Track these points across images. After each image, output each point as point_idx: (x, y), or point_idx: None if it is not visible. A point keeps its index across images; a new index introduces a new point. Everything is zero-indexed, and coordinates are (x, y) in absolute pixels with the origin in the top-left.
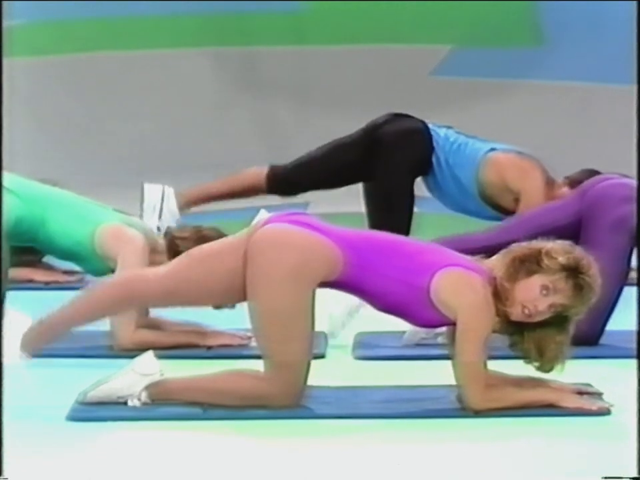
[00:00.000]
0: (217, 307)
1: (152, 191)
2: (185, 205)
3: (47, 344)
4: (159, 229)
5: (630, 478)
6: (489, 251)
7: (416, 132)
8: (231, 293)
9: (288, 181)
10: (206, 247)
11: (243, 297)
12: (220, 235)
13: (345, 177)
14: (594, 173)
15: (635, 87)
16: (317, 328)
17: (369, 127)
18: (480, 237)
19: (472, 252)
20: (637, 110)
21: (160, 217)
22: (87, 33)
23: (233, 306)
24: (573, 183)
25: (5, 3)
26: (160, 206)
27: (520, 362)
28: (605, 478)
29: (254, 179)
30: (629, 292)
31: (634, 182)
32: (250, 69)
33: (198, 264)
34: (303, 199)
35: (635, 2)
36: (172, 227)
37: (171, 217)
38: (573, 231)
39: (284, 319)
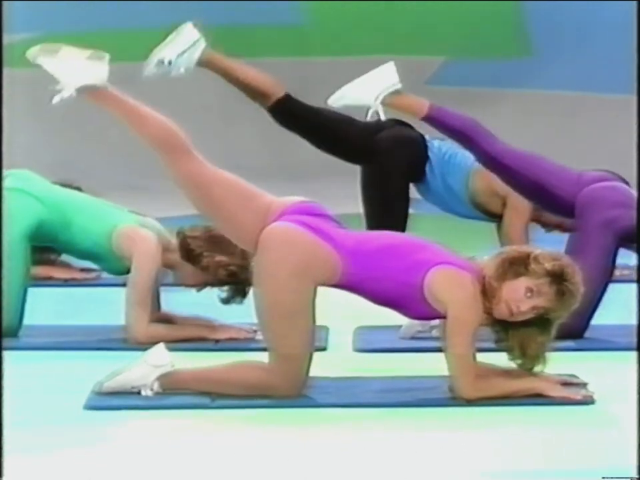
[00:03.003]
0: (226, 301)
1: (190, 33)
2: (205, 63)
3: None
4: (170, 63)
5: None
6: (492, 161)
7: (412, 140)
8: (238, 234)
9: (292, 112)
10: (242, 186)
11: (248, 246)
12: None
13: (337, 148)
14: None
15: (621, 96)
16: (318, 322)
17: (372, 125)
18: (498, 146)
19: (481, 150)
20: (638, 116)
21: (180, 55)
22: (99, 44)
23: (240, 301)
24: None
25: (17, 17)
26: (187, 47)
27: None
28: (605, 478)
29: (270, 89)
30: (613, 288)
31: (626, 187)
32: None
33: (234, 190)
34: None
35: (629, 7)
36: (183, 226)
37: (187, 62)
38: (563, 204)
39: (287, 313)
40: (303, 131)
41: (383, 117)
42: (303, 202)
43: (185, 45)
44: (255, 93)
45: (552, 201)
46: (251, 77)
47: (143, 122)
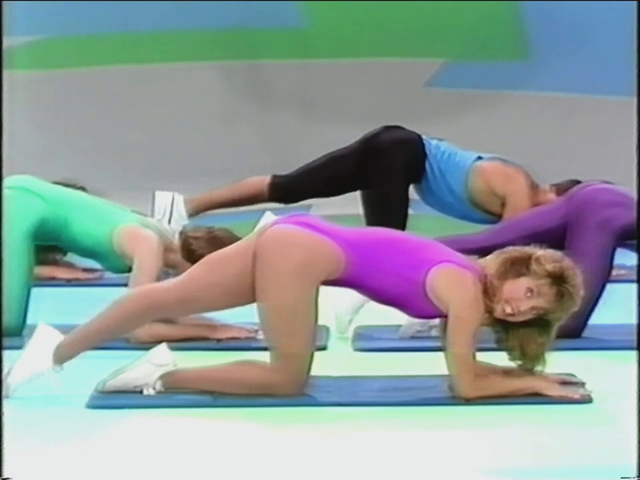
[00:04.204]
0: None
1: (162, 197)
2: (193, 211)
3: (76, 356)
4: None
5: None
6: (482, 251)
7: (410, 141)
8: (243, 294)
9: (288, 189)
10: (217, 253)
11: (254, 297)
12: (231, 235)
13: (342, 186)
14: (578, 183)
15: (619, 98)
16: (320, 322)
17: (364, 138)
18: (475, 239)
19: (467, 252)
20: (637, 118)
21: (170, 221)
22: (103, 47)
23: None
24: (560, 190)
25: (18, 20)
26: (170, 210)
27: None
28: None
29: (256, 188)
30: (610, 288)
31: (618, 187)
32: (256, 81)
33: (210, 269)
34: (306, 201)
35: (628, 9)
36: (186, 227)
37: (180, 220)
38: (561, 233)
39: (289, 313)
40: (308, 194)
41: None
42: (295, 214)
43: (166, 211)
44: (248, 201)
45: (553, 237)
46: (232, 193)
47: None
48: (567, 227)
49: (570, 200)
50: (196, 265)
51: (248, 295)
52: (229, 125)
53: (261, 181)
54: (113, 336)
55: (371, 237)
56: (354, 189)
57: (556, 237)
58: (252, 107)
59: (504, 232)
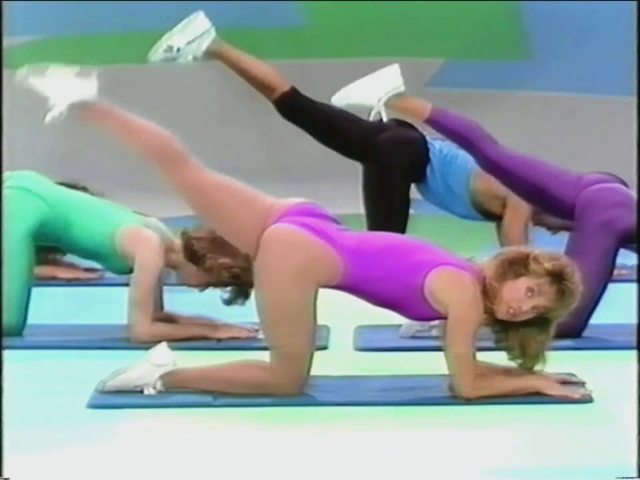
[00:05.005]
0: (228, 303)
1: (200, 22)
2: (214, 54)
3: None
4: (178, 50)
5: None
6: (491, 163)
7: (413, 141)
8: (239, 238)
9: (296, 106)
10: (241, 189)
11: (249, 251)
12: None
13: (339, 144)
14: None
15: (619, 98)
16: (319, 322)
17: (375, 126)
18: (495, 149)
19: (480, 151)
20: (637, 118)
21: (189, 43)
22: (103, 47)
23: (242, 303)
24: None
25: (18, 19)
26: (196, 36)
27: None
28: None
29: (276, 83)
30: (611, 288)
31: (623, 188)
32: None
33: (233, 194)
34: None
35: (628, 9)
36: (188, 227)
37: (196, 50)
38: (562, 207)
39: (289, 313)
40: (306, 125)
41: (385, 118)
42: (303, 203)
43: (195, 33)
44: (261, 86)
45: (552, 204)
46: (258, 69)
47: (136, 134)
48: (572, 209)
49: (580, 191)
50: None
51: (241, 244)
52: (227, 125)
53: (283, 83)
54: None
55: (370, 244)
56: (345, 154)
57: (556, 206)
58: (250, 107)
59: (522, 167)
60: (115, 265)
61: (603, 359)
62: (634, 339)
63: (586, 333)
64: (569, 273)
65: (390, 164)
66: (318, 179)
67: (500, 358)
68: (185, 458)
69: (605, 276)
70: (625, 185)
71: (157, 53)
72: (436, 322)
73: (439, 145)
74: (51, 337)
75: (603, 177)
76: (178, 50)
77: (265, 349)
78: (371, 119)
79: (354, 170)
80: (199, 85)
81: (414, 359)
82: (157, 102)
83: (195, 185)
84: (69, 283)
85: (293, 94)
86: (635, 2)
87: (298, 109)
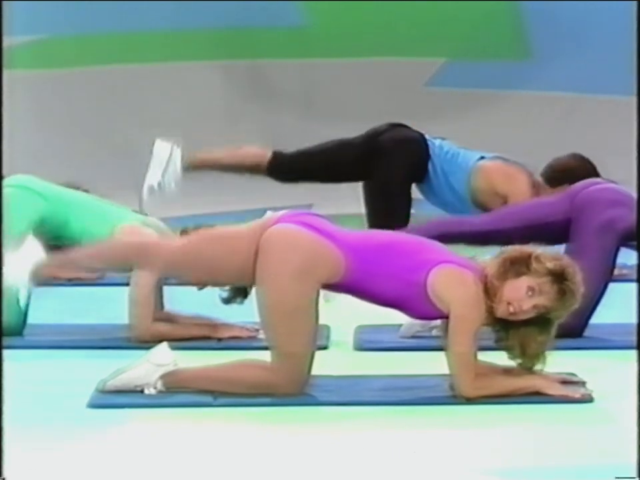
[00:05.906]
0: (227, 302)
1: (162, 148)
2: (190, 166)
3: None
4: (159, 185)
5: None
6: (481, 235)
7: (414, 140)
8: (240, 275)
9: (287, 167)
10: (219, 229)
11: (250, 282)
12: None
13: (340, 174)
14: (578, 156)
15: (619, 97)
16: (319, 321)
17: (370, 133)
18: (475, 221)
19: (464, 234)
20: (637, 117)
21: (164, 174)
22: (105, 46)
23: (241, 302)
24: (556, 170)
25: (18, 19)
26: (166, 163)
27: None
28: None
29: (256, 160)
30: (611, 287)
31: (620, 187)
32: (257, 80)
33: (213, 242)
34: (307, 200)
35: (627, 9)
36: (187, 226)
37: (174, 175)
38: (560, 228)
39: (290, 313)
40: (307, 172)
41: None
42: (297, 209)
43: (162, 162)
44: (249, 168)
45: (551, 230)
46: (238, 156)
47: (106, 260)
48: (569, 224)
49: (572, 198)
50: (196, 235)
51: (245, 279)
52: (229, 125)
53: (262, 153)
54: (101, 264)
55: (371, 241)
56: (350, 180)
57: (554, 231)
58: (253, 106)
59: (505, 219)
60: None
61: (603, 359)
62: (634, 338)
63: (586, 332)
64: (570, 273)
65: (391, 164)
66: None
67: (500, 358)
68: (185, 457)
69: (606, 276)
70: (615, 184)
71: (145, 200)
72: (436, 322)
73: (439, 143)
74: (51, 336)
75: (593, 180)
76: (159, 185)
77: (266, 348)
78: None
79: None
80: (201, 85)
81: (414, 359)
82: (158, 102)
83: (177, 254)
84: (70, 282)
85: (277, 157)
86: (635, 2)
87: (289, 164)
